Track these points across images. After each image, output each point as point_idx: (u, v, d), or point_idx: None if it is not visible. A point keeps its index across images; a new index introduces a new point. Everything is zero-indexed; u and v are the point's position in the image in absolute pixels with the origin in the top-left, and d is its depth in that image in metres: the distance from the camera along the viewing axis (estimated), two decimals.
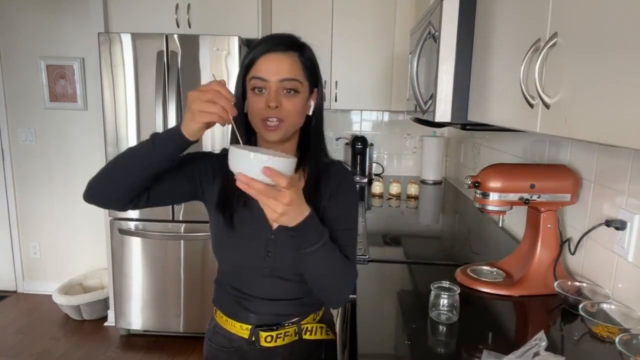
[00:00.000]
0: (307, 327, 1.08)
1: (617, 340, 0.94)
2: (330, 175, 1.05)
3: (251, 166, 0.77)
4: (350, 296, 1.27)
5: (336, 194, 1.03)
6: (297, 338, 1.07)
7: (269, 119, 0.95)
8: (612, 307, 1.14)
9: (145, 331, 2.85)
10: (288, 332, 1.06)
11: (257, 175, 0.77)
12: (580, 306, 1.11)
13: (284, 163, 0.79)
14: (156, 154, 0.89)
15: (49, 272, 3.46)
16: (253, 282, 1.05)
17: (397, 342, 1.00)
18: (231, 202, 1.02)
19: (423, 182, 3.15)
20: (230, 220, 1.02)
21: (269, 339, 1.04)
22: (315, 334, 1.10)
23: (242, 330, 1.05)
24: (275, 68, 0.95)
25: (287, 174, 0.80)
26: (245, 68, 0.98)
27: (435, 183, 3.15)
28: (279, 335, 1.05)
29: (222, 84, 0.84)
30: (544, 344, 0.90)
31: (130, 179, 0.91)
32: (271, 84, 0.94)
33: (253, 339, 1.05)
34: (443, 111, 1.37)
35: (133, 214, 2.66)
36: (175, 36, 2.48)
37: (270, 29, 2.88)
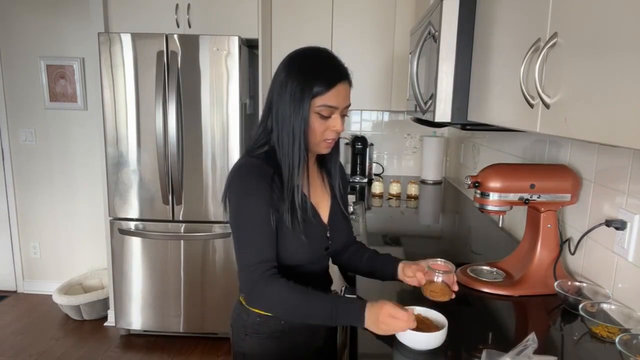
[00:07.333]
0: None
1: (617, 340, 0.94)
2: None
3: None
4: (350, 296, 1.28)
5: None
6: None
7: (329, 139, 1.09)
8: (612, 307, 1.14)
9: (145, 331, 2.85)
10: None
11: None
12: (580, 306, 1.11)
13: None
14: (332, 324, 1.07)
15: (49, 272, 3.46)
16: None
17: (397, 342, 1.00)
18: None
19: (423, 182, 3.15)
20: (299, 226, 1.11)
21: None
22: None
23: None
24: (343, 98, 1.07)
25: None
26: (314, 93, 1.03)
27: (435, 183, 3.15)
28: None
29: (413, 319, 0.97)
30: (535, 345, 0.89)
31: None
32: (338, 110, 1.07)
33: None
34: (443, 111, 1.37)
35: (133, 213, 2.67)
36: (175, 36, 2.48)
37: (270, 29, 2.88)
